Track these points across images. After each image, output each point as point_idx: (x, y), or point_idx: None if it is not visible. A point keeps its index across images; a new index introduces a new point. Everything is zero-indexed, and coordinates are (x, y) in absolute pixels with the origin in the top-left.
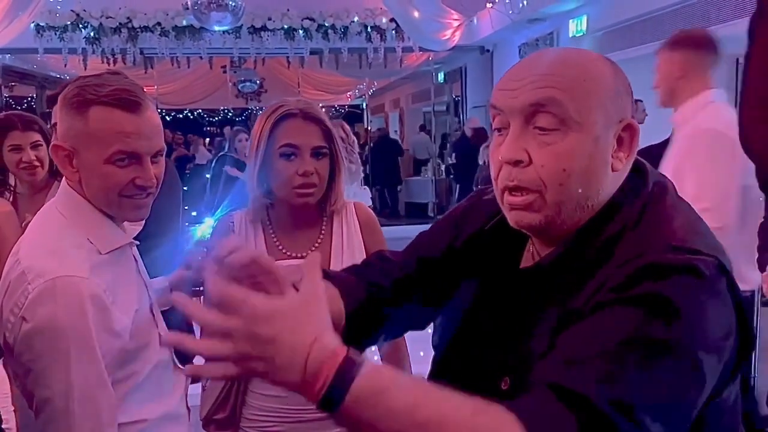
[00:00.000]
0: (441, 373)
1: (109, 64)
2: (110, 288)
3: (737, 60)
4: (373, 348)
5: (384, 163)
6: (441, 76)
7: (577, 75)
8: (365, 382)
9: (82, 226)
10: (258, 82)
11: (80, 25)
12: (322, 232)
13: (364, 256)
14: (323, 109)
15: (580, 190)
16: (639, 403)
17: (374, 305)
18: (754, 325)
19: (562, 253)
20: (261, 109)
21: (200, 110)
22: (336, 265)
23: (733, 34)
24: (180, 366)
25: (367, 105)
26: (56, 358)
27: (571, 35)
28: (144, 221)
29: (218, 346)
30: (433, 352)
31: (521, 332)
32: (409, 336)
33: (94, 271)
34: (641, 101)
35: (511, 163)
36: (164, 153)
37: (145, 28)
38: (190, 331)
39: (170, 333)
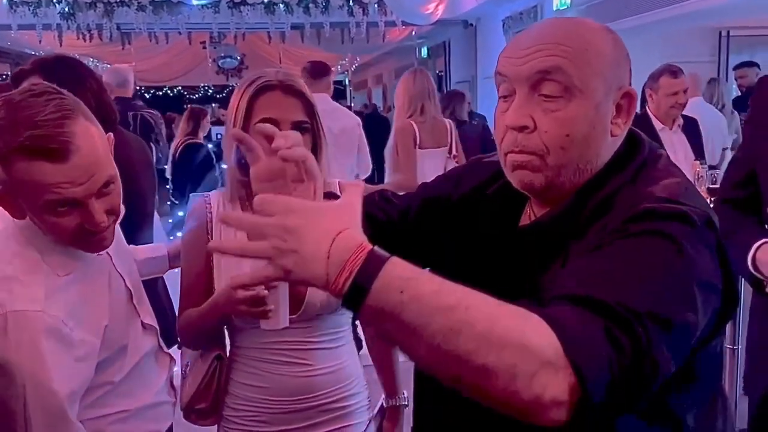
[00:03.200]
0: None
1: (85, 39)
2: (72, 311)
3: (720, 32)
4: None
5: (374, 143)
6: (424, 51)
7: (581, 45)
8: (393, 269)
9: (34, 248)
10: (238, 58)
11: (54, 0)
12: None
13: None
14: None
15: (580, 154)
16: (647, 311)
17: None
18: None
19: (562, 211)
20: None
21: (180, 87)
22: None
23: (714, 6)
24: (166, 350)
25: (349, 81)
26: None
27: (555, 8)
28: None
29: (254, 245)
30: None
31: (520, 284)
32: None
33: (52, 297)
34: None
35: (516, 129)
36: (115, 179)
37: (122, 3)
38: (171, 306)
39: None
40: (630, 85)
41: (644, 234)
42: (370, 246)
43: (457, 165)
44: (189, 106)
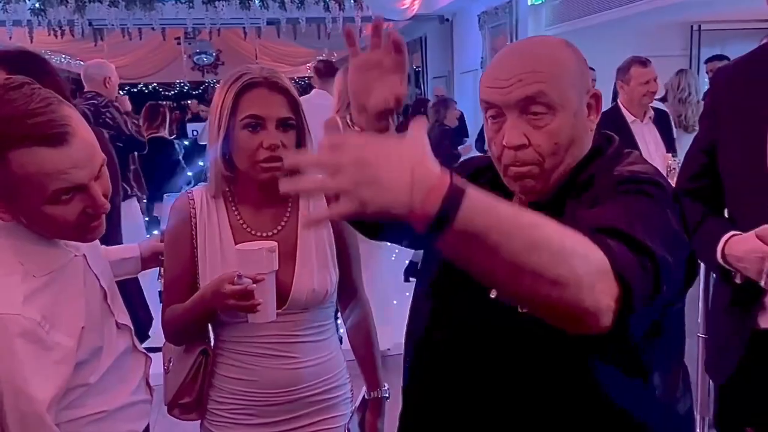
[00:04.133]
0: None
1: (56, 36)
2: (49, 313)
3: (691, 27)
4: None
5: None
6: None
7: (552, 67)
8: (475, 195)
9: (10, 249)
10: (214, 54)
11: None
12: (289, 209)
13: (332, 235)
14: None
15: (569, 153)
16: (657, 248)
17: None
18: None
19: (552, 197)
20: (218, 82)
21: (155, 84)
22: (303, 245)
23: (686, 0)
24: (141, 349)
25: None
26: None
27: (529, 3)
28: None
29: (329, 181)
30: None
31: None
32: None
33: (29, 300)
34: (593, 69)
35: (514, 148)
36: (104, 162)
37: None
38: (144, 303)
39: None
40: (593, 85)
41: (630, 193)
42: (449, 174)
43: None
44: (148, 103)
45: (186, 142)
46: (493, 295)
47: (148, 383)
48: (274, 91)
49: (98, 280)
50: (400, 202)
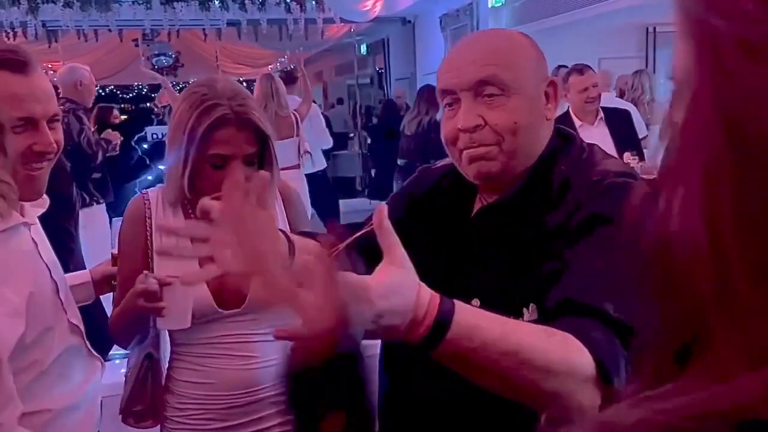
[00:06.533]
0: None
1: (8, 38)
2: None
3: (647, 29)
4: None
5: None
6: (363, 48)
7: (507, 51)
8: (461, 318)
9: None
10: (173, 55)
11: None
12: None
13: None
14: (244, 84)
15: (527, 140)
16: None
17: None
18: None
19: (515, 193)
20: (178, 84)
21: (112, 87)
22: None
23: (642, 3)
24: (94, 353)
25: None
26: None
27: (490, 5)
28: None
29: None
30: None
31: (485, 260)
32: None
33: None
34: (565, 66)
35: (469, 130)
36: (59, 119)
37: None
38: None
39: None
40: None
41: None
42: (438, 297)
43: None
44: (98, 106)
45: (145, 145)
46: (475, 304)
47: (98, 392)
48: (242, 128)
49: (49, 270)
50: (397, 326)
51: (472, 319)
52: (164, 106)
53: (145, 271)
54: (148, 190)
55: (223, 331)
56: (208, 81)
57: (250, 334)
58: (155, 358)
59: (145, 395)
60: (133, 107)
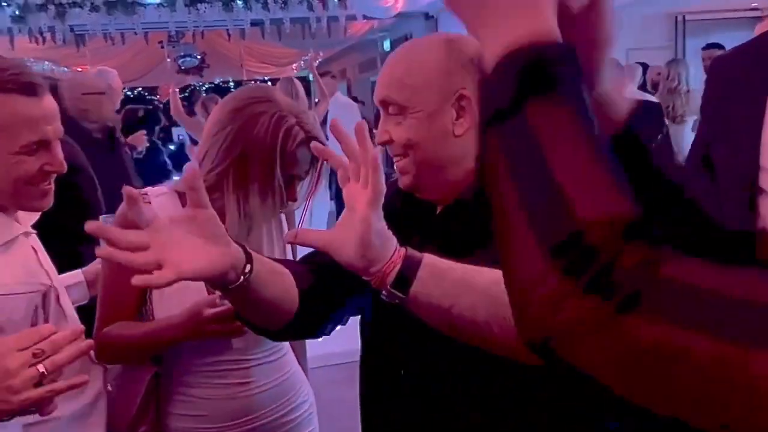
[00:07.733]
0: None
1: (37, 43)
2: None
3: (676, 18)
4: None
5: None
6: (387, 45)
7: (401, 74)
8: (429, 262)
9: None
10: (199, 56)
11: (3, 3)
12: None
13: (283, 247)
14: (269, 83)
15: (429, 155)
16: None
17: (325, 293)
18: None
19: (468, 191)
20: (203, 85)
21: (140, 88)
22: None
23: None
24: (95, 361)
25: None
26: None
27: None
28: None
29: None
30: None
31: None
32: None
33: None
34: None
35: (382, 144)
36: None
37: (74, 4)
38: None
39: None
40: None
41: None
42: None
43: None
44: (125, 108)
45: (172, 147)
46: None
47: (104, 399)
48: (310, 148)
49: (49, 278)
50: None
51: (439, 264)
52: (164, 103)
53: (217, 293)
54: (147, 188)
55: (215, 357)
56: (267, 95)
57: (245, 358)
58: (161, 376)
59: (147, 417)
60: (162, 106)
